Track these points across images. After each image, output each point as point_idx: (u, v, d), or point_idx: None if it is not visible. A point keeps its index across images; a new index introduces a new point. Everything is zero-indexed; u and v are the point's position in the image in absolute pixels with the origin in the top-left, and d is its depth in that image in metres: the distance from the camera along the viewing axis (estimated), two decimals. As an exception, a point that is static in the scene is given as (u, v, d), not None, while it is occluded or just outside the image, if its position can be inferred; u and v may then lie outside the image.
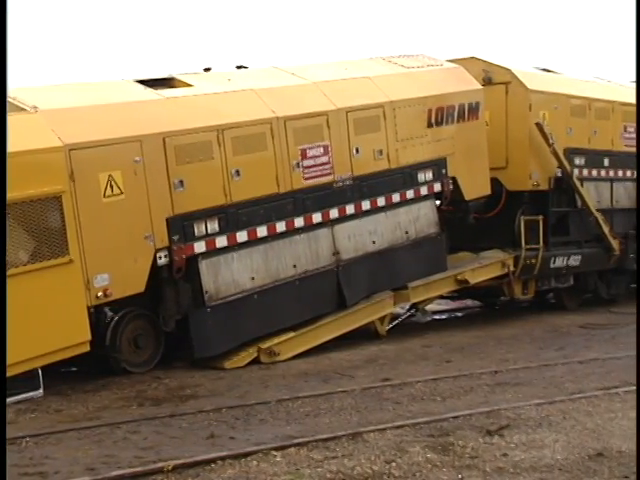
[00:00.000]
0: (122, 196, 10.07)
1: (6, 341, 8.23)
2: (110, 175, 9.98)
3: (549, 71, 16.34)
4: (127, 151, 10.17)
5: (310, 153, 12.04)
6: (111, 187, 9.99)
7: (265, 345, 11.24)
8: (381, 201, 12.98)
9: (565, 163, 15.03)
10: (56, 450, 7.36)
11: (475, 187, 14.40)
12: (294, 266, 11.87)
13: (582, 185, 15.51)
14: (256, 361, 11.09)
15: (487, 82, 14.81)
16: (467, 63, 14.69)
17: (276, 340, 11.38)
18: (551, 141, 14.65)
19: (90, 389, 9.82)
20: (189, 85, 11.42)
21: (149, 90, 10.97)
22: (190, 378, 10.32)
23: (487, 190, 14.59)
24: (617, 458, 7.02)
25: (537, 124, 14.65)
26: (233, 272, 11.15)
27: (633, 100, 17.08)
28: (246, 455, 7.06)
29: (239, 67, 12.67)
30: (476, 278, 14.23)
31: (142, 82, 11.12)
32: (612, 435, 7.62)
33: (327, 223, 12.29)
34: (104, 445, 7.58)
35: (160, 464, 6.81)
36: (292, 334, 11.59)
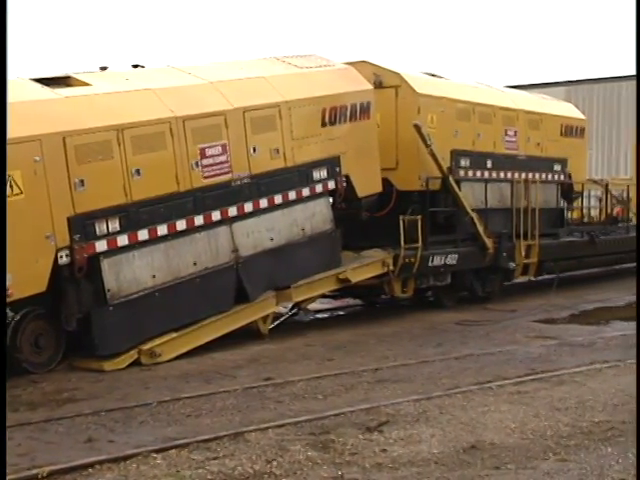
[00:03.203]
0: (22, 196, 9.53)
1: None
2: (9, 175, 9.40)
3: (435, 76, 16.00)
4: (27, 151, 9.62)
5: (209, 152, 11.58)
6: (11, 187, 9.44)
7: (146, 346, 10.61)
8: (278, 199, 12.59)
9: (441, 164, 14.63)
10: None
11: (367, 185, 14.06)
12: (194, 263, 11.42)
13: (459, 186, 15.16)
14: (137, 363, 10.48)
15: (378, 85, 14.44)
16: (358, 67, 14.27)
17: (157, 341, 10.75)
18: (429, 142, 14.25)
19: (-41, 394, 9.10)
20: (87, 84, 10.86)
21: (47, 89, 10.41)
22: (68, 381, 9.69)
23: (378, 188, 14.28)
24: (489, 450, 6.89)
25: (415, 125, 14.20)
26: (134, 270, 10.68)
27: (511, 105, 16.95)
28: (125, 458, 6.65)
29: (135, 66, 12.07)
30: (357, 277, 13.71)
31: (39, 81, 10.54)
32: (485, 428, 7.50)
33: (226, 221, 11.85)
34: (-26, 453, 7.03)
35: (34, 471, 6.33)
36: (174, 335, 10.97)
